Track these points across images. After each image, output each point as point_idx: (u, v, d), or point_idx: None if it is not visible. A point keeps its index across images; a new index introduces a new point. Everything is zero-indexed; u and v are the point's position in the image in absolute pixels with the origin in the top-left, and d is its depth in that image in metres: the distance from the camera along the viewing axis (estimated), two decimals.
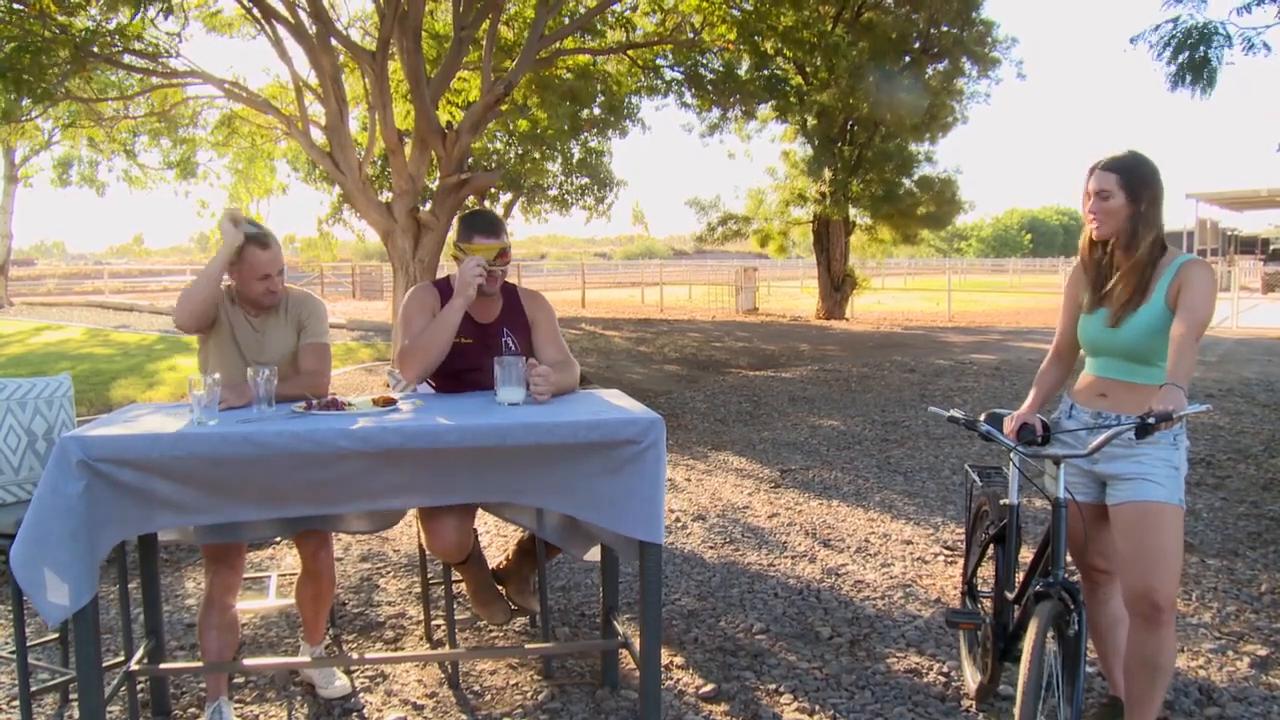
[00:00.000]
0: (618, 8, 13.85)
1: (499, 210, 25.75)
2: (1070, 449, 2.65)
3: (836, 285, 21.67)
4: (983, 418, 2.77)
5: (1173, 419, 2.26)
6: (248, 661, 3.37)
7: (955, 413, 2.80)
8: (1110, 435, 2.47)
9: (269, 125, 15.77)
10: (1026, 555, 3.81)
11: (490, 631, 3.81)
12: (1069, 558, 2.71)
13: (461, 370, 3.23)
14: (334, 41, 10.59)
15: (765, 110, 19.27)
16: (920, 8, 18.68)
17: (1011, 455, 2.76)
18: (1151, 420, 2.25)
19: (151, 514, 2.58)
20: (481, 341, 3.28)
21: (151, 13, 8.73)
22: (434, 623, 3.78)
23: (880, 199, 19.54)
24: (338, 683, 3.25)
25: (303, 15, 10.36)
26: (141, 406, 3.02)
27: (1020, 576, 2.85)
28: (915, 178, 20.52)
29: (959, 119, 20.46)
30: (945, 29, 19.39)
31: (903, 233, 21.91)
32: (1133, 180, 2.58)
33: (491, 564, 3.53)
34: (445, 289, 3.34)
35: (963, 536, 4.88)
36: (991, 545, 3.01)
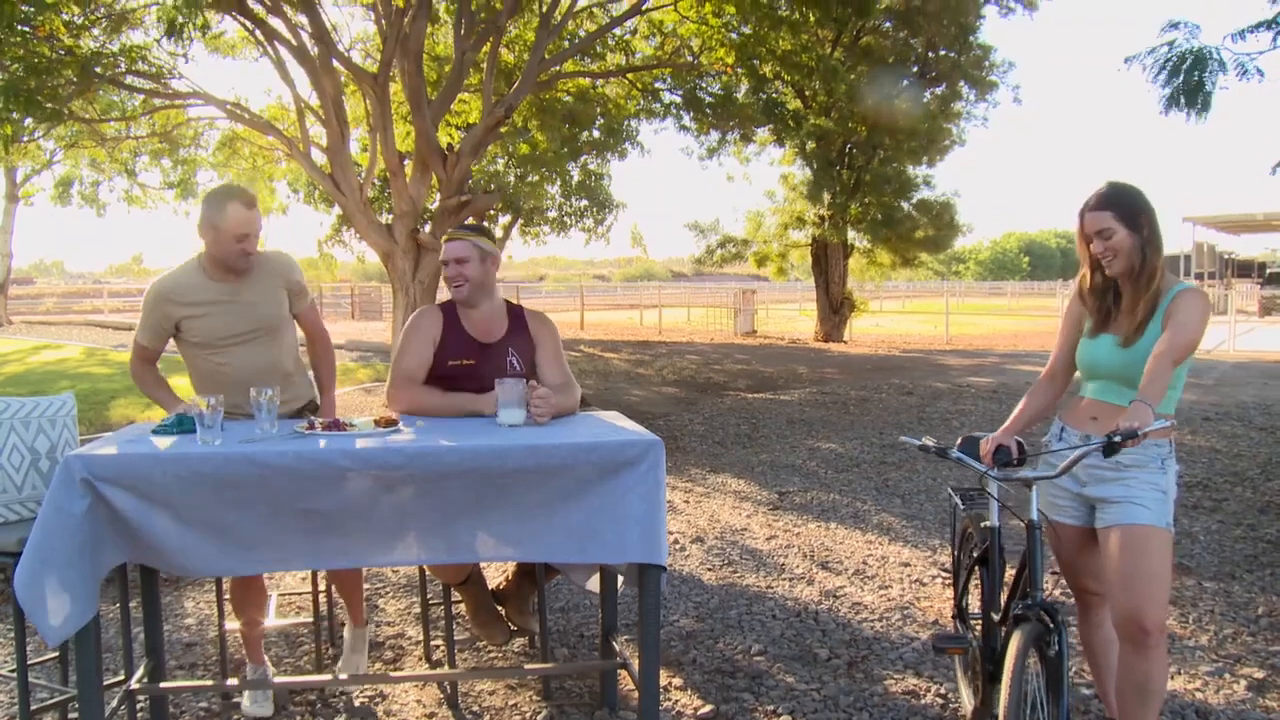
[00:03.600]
0: (617, 32, 14.00)
1: (497, 232, 25.90)
2: (1043, 471, 2.68)
3: (835, 308, 21.73)
4: (958, 443, 2.80)
5: (1138, 436, 2.26)
6: (238, 681, 3.36)
7: (927, 441, 2.81)
8: (1078, 456, 2.50)
9: (270, 146, 15.88)
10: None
11: (489, 652, 3.81)
12: (1064, 579, 2.73)
13: (466, 391, 3.23)
14: (336, 63, 10.69)
15: (764, 134, 19.43)
16: (918, 32, 18.85)
17: (983, 479, 2.78)
18: (1117, 439, 2.26)
19: (149, 548, 2.59)
20: (485, 362, 3.30)
21: (175, 43, 8.82)
22: (433, 643, 3.79)
23: (879, 222, 19.62)
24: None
25: (305, 37, 10.46)
26: (143, 426, 3.05)
27: (1003, 595, 2.87)
28: (914, 201, 20.62)
29: (957, 142, 20.59)
30: (943, 53, 19.56)
31: (901, 256, 21.98)
32: (1127, 211, 2.60)
33: (491, 585, 3.54)
34: (450, 312, 3.37)
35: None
36: (977, 568, 3.03)
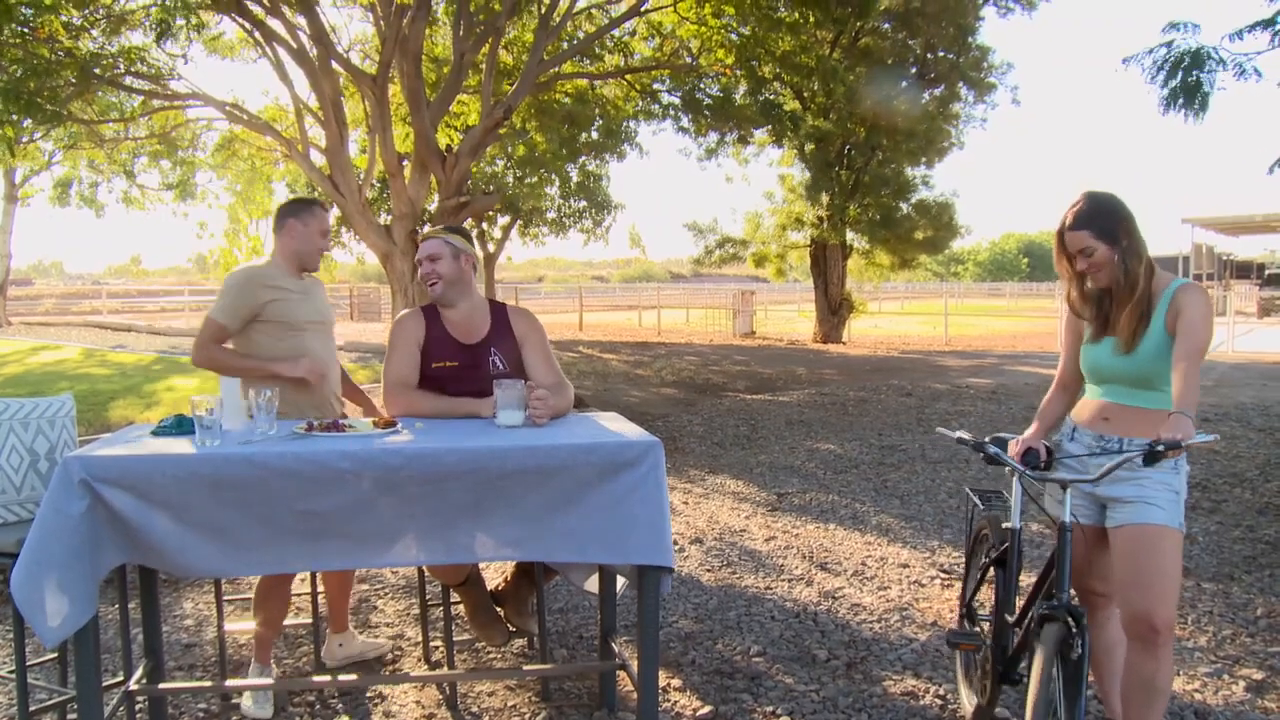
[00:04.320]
0: (616, 33, 14.01)
1: (496, 233, 25.90)
2: (1076, 473, 2.69)
3: (834, 309, 21.74)
4: (987, 440, 2.81)
5: (1182, 447, 2.29)
6: (237, 682, 3.36)
7: (963, 434, 2.83)
8: (1119, 462, 2.50)
9: (269, 148, 15.89)
10: (1025, 579, 3.83)
11: (488, 653, 3.81)
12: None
13: (452, 394, 3.24)
14: (335, 65, 10.70)
15: (762, 135, 19.44)
16: (917, 33, 18.88)
17: (1015, 478, 2.79)
18: (1161, 448, 2.29)
19: (148, 549, 2.58)
20: (468, 363, 3.30)
21: (172, 44, 8.86)
22: (432, 644, 3.79)
23: (877, 223, 19.64)
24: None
25: (304, 39, 10.47)
26: (142, 427, 3.05)
27: (1020, 600, 2.88)
28: (912, 202, 20.64)
29: (955, 144, 20.61)
30: (942, 54, 19.59)
31: (900, 257, 21.99)
32: (1103, 225, 2.62)
33: (490, 585, 3.54)
34: (432, 314, 3.37)
35: (959, 559, 4.90)
36: (992, 568, 3.04)
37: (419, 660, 3.76)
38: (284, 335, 3.42)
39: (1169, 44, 7.20)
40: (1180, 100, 7.14)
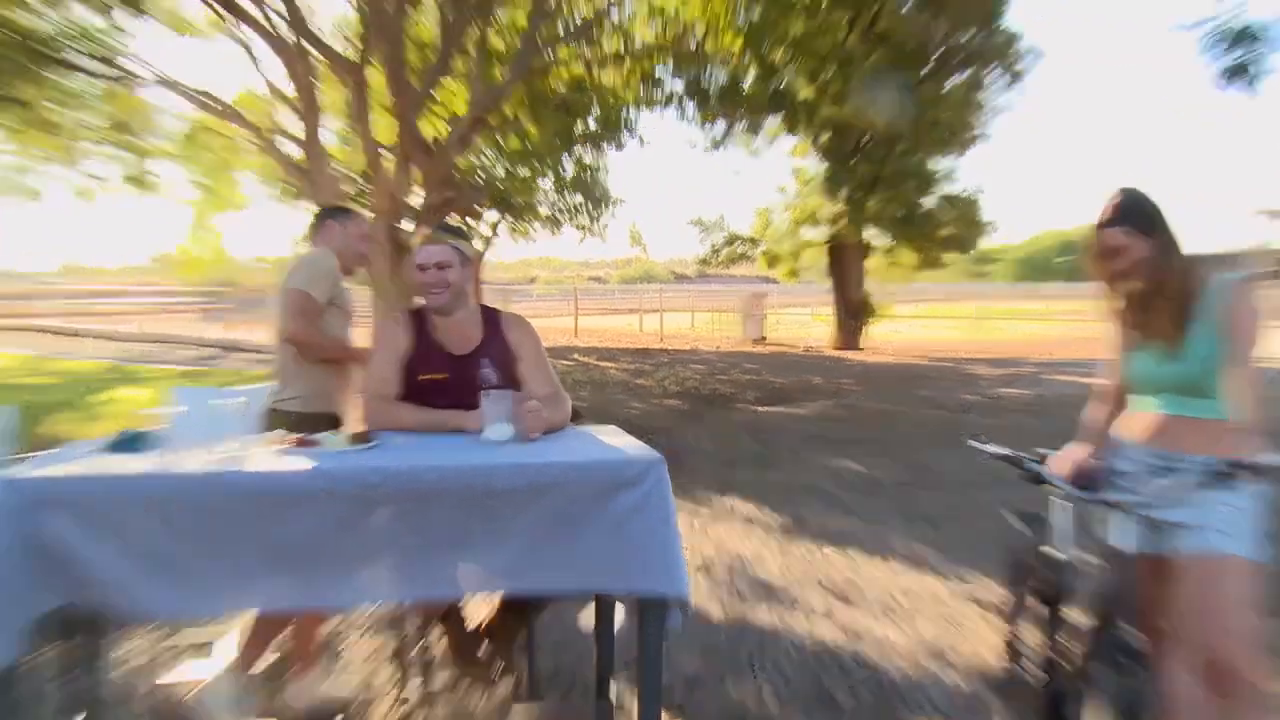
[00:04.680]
0: (615, 16, 14.02)
1: (485, 230, 25.91)
2: (1128, 494, 2.60)
3: (853, 313, 21.72)
4: (1025, 456, 2.74)
5: (1260, 469, 2.23)
6: None
7: (999, 449, 2.76)
8: (1181, 484, 2.44)
9: (239, 137, 15.86)
10: (1076, 613, 3.75)
11: (473, 694, 3.74)
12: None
13: (439, 408, 3.18)
14: (310, 48, 10.67)
15: (774, 125, 19.44)
16: (939, 16, 18.90)
17: (1060, 501, 2.71)
18: (1232, 470, 2.24)
19: (91, 585, 2.46)
20: (459, 376, 3.24)
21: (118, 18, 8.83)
22: (411, 683, 3.71)
23: (899, 220, 19.64)
24: None
25: (278, 20, 10.45)
26: (89, 443, 2.96)
27: (1071, 638, 2.79)
28: (936, 197, 20.65)
29: (982, 135, 20.65)
30: (966, 39, 19.61)
31: (924, 256, 22.00)
32: (1138, 221, 2.62)
33: (475, 618, 3.47)
34: (420, 321, 3.32)
35: (999, 592, 4.82)
36: (1038, 601, 2.95)
37: (396, 701, 3.68)
38: (343, 321, 3.80)
39: (1227, 16, 7.15)
40: (1242, 72, 7.09)
